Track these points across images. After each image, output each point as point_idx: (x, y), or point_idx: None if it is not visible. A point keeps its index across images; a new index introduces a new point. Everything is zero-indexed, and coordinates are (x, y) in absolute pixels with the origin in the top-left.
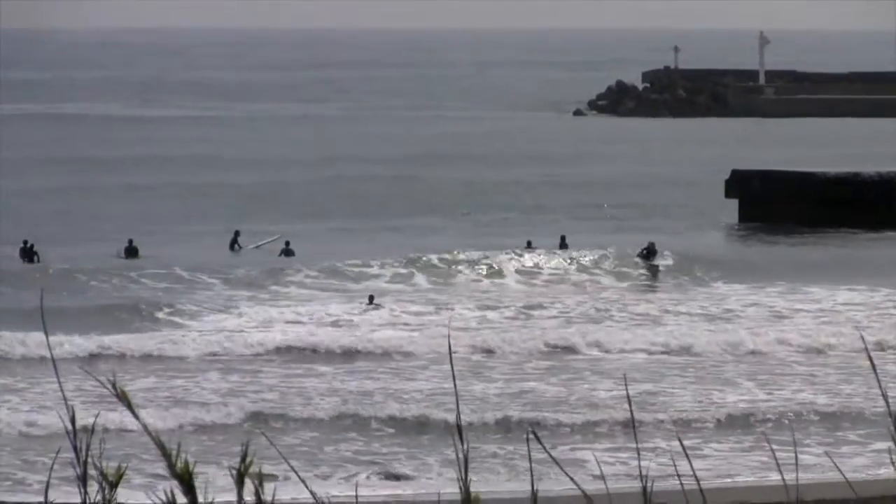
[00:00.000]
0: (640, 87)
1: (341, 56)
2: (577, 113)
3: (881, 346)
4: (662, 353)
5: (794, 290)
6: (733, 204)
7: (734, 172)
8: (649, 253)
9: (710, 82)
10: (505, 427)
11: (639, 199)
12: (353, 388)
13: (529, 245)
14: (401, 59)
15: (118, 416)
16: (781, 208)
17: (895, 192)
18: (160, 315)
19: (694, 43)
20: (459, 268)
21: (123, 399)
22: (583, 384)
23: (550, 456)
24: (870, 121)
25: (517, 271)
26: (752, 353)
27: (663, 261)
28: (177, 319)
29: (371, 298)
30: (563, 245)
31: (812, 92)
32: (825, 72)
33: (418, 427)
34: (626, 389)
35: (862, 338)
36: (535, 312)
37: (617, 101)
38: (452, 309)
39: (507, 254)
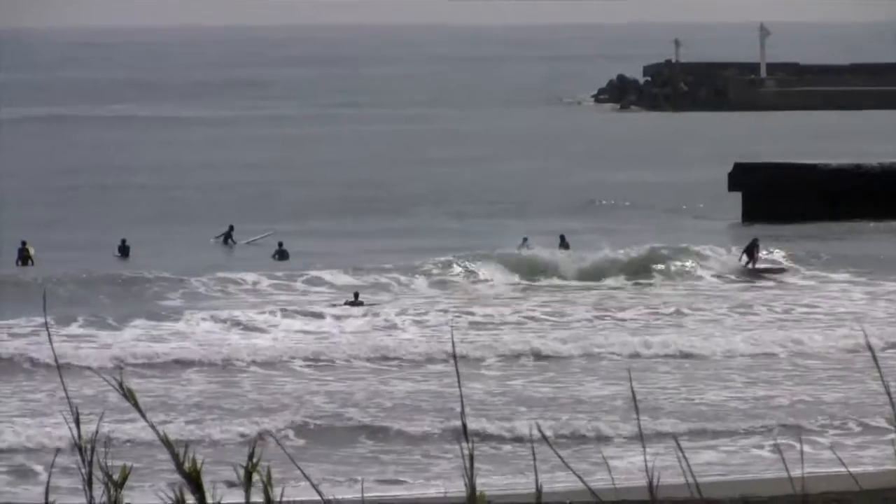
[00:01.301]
0: (642, 80)
1: (322, 53)
2: (578, 104)
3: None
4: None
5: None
6: (736, 197)
7: (737, 165)
8: (751, 250)
9: (711, 75)
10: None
11: (641, 194)
12: (341, 390)
13: (525, 242)
14: (391, 54)
15: (127, 426)
16: (784, 200)
17: None
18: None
19: (695, 36)
20: (475, 269)
21: (130, 398)
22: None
23: (555, 451)
24: (872, 112)
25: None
26: (760, 353)
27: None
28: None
29: (356, 295)
30: (564, 244)
31: (814, 84)
32: (827, 64)
33: (420, 429)
34: (631, 385)
35: (863, 331)
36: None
37: (618, 94)
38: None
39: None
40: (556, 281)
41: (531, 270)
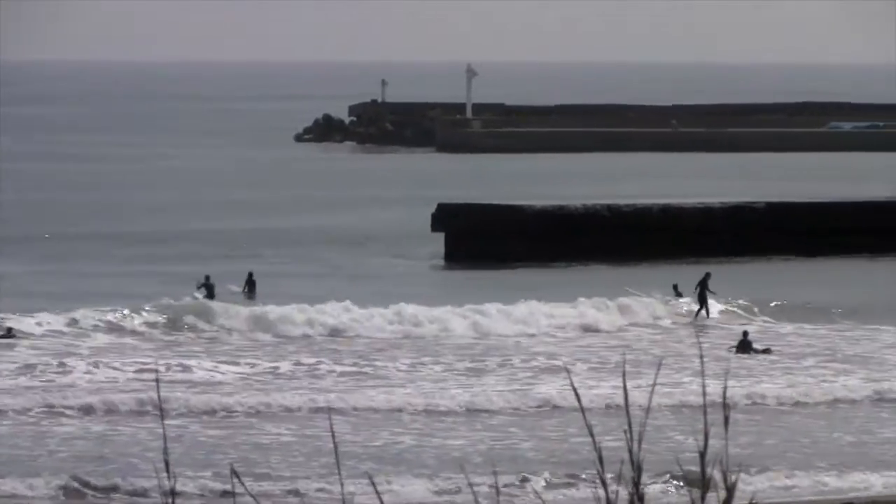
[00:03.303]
0: (347, 120)
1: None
2: (286, 145)
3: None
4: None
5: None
6: (440, 238)
7: (440, 206)
8: (703, 293)
9: (417, 115)
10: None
11: (341, 235)
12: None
13: (202, 286)
14: (85, 91)
15: None
16: (488, 242)
17: (601, 224)
18: None
19: (402, 76)
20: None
21: None
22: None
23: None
24: (579, 155)
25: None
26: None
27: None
28: None
29: (9, 330)
30: (250, 285)
31: (520, 125)
32: (534, 105)
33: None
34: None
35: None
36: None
37: (323, 134)
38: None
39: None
40: (224, 326)
41: (200, 317)
